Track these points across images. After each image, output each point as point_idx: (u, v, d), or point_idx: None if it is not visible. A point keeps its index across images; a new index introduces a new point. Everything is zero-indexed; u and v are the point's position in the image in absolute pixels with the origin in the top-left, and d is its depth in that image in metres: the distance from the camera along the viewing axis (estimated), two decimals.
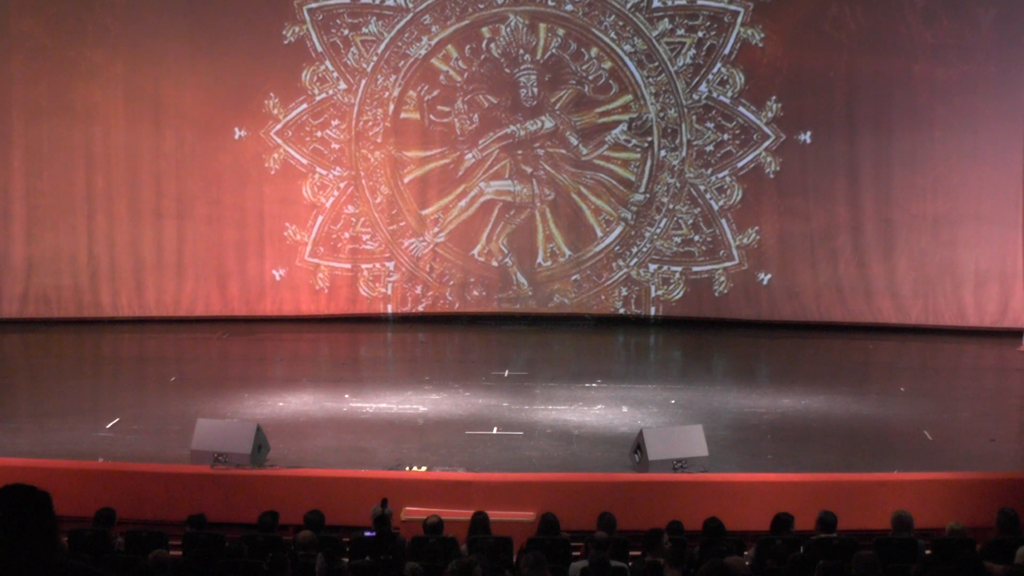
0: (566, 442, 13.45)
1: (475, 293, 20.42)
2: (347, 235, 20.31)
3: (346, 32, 19.98)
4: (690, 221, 20.08)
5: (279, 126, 20.09)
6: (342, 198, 20.27)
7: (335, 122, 20.13)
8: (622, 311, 20.34)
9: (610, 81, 19.88)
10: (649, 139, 19.98)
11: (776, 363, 18.65)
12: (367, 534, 9.39)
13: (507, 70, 19.99)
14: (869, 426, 14.38)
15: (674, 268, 20.17)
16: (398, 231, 20.34)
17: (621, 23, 19.77)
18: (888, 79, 19.39)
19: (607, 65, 19.85)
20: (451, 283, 20.41)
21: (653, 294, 20.25)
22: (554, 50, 19.89)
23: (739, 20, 19.59)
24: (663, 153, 19.98)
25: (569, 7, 19.80)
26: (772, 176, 19.86)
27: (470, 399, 15.37)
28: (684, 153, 19.95)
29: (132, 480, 11.77)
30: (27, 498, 3.99)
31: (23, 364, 18.84)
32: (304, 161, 20.18)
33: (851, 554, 8.13)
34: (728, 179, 19.94)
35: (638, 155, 20.05)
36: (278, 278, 20.33)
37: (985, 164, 19.27)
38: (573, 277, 20.34)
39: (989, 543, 9.06)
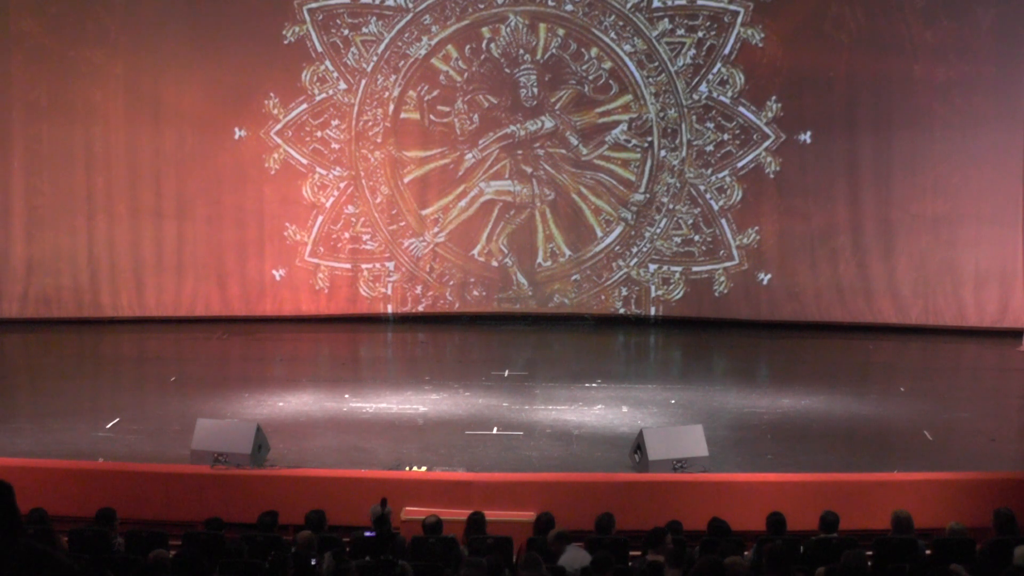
0: (566, 442, 13.45)
1: (475, 293, 20.43)
2: (347, 235, 20.31)
3: (346, 32, 19.98)
4: (690, 221, 20.09)
5: (279, 126, 20.09)
6: (342, 198, 20.27)
7: (335, 122, 20.13)
8: (622, 311, 20.34)
9: (610, 81, 19.88)
10: (649, 139, 19.99)
11: (776, 363, 18.65)
12: (367, 534, 9.39)
13: (507, 70, 19.99)
14: (869, 426, 14.37)
15: (674, 268, 20.17)
16: (398, 231, 20.35)
17: (621, 23, 19.77)
18: (888, 79, 19.39)
19: (607, 65, 19.85)
20: (451, 283, 20.42)
21: (653, 294, 20.26)
22: (554, 50, 19.90)
23: (739, 20, 19.59)
24: (663, 153, 19.98)
25: (569, 7, 19.80)
26: (772, 176, 19.86)
27: (470, 399, 15.37)
28: (684, 153, 19.95)
29: (132, 480, 11.77)
30: None
31: (23, 364, 18.83)
32: (304, 161, 20.18)
33: None
34: (728, 179, 19.94)
35: (638, 155, 20.05)
36: (278, 278, 20.34)
37: (985, 164, 19.27)
38: (573, 277, 20.34)
39: (989, 543, 9.06)
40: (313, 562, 8.58)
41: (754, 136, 19.81)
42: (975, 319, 19.49)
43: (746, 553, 9.37)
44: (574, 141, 20.03)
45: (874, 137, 19.57)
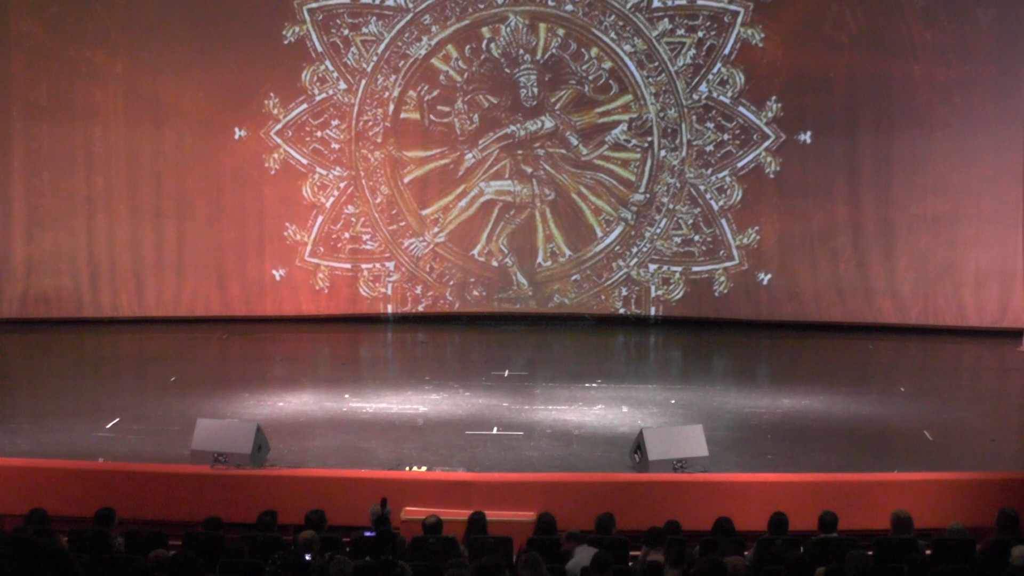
0: (566, 442, 13.44)
1: (475, 293, 20.42)
2: (347, 235, 20.30)
3: (346, 32, 19.97)
4: (690, 221, 20.08)
5: (279, 126, 20.08)
6: (342, 198, 20.27)
7: (335, 122, 20.13)
8: (622, 311, 20.33)
9: (610, 81, 19.88)
10: (649, 139, 19.98)
11: (776, 363, 18.65)
12: (367, 534, 9.39)
13: (507, 70, 19.98)
14: (869, 426, 14.37)
15: (674, 268, 20.16)
16: (398, 231, 20.34)
17: (621, 23, 19.76)
18: (888, 79, 19.39)
19: (607, 65, 19.85)
20: (451, 283, 20.41)
21: (653, 294, 20.25)
22: (554, 50, 19.89)
23: (739, 20, 19.58)
24: (663, 153, 19.98)
25: (569, 7, 19.79)
26: (772, 176, 19.86)
27: (470, 399, 15.36)
28: (684, 153, 19.95)
29: (132, 480, 11.77)
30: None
31: (23, 364, 18.81)
32: (304, 161, 20.17)
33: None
34: (728, 179, 19.93)
35: (638, 155, 20.04)
36: (278, 278, 20.33)
37: (985, 164, 19.27)
38: (573, 277, 20.34)
39: (989, 543, 9.06)
40: (308, 557, 8.58)
41: (754, 136, 19.80)
42: (975, 319, 19.49)
43: (746, 553, 9.37)
44: (574, 141, 20.02)
45: (874, 137, 19.57)
